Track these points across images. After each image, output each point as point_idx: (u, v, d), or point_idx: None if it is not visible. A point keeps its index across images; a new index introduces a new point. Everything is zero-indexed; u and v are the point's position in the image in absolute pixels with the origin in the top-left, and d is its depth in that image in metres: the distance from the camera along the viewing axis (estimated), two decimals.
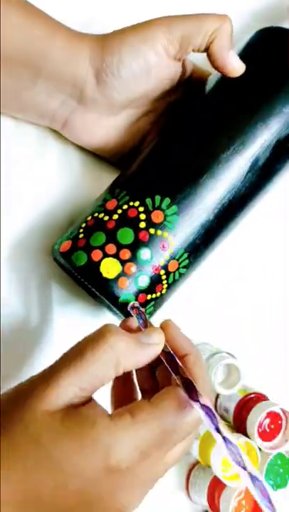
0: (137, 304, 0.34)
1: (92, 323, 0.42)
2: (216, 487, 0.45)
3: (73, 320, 0.42)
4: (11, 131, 0.40)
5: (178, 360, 0.29)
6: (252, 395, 0.47)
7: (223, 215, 0.37)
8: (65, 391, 0.26)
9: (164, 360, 0.29)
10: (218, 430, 0.26)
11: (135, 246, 0.35)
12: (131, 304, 0.35)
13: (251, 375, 0.48)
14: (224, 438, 0.26)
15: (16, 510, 0.25)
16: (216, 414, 0.27)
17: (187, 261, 0.37)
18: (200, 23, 0.35)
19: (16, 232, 0.40)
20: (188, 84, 0.40)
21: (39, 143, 0.40)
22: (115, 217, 0.35)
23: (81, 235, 0.36)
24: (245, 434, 0.45)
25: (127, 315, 0.35)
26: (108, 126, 0.39)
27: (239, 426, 0.46)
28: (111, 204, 0.36)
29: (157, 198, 0.35)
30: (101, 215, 0.36)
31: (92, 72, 0.35)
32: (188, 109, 0.38)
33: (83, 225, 0.36)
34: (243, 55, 0.38)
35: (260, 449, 0.45)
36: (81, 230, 0.36)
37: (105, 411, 0.27)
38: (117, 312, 0.36)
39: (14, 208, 0.40)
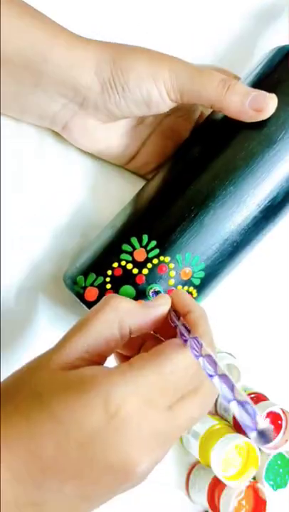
0: (158, 289, 0.35)
1: None
2: (216, 487, 0.45)
3: None
4: (10, 131, 0.39)
5: (180, 318, 0.29)
6: (252, 395, 0.47)
7: (241, 257, 0.38)
8: (71, 351, 0.27)
9: (170, 321, 0.30)
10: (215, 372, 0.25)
11: None
12: (153, 289, 0.35)
13: (251, 375, 0.48)
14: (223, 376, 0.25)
15: (19, 465, 0.24)
16: (214, 357, 0.26)
17: (201, 302, 0.38)
18: (199, 89, 0.35)
19: (15, 231, 0.40)
20: None
21: (39, 143, 0.40)
22: (145, 271, 0.35)
23: (108, 285, 0.35)
24: (245, 434, 0.45)
25: None
26: (109, 130, 0.39)
27: (239, 426, 0.46)
28: (140, 255, 0.35)
29: (188, 254, 0.35)
30: (129, 266, 0.35)
31: (97, 81, 0.35)
32: (209, 148, 0.37)
33: (109, 272, 0.35)
34: (262, 79, 0.36)
35: (260, 449, 0.45)
36: (108, 279, 0.35)
37: (108, 367, 0.27)
38: None
39: (14, 207, 0.40)
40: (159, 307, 0.30)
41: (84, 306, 0.36)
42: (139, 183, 0.42)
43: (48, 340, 0.41)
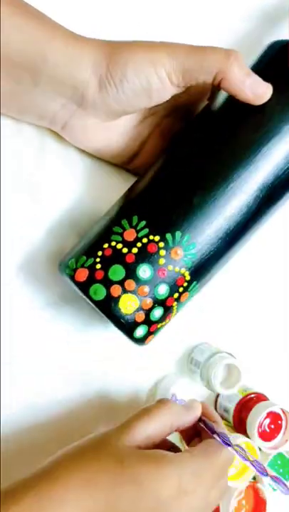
0: (176, 395, 0.43)
1: (98, 333, 0.43)
2: None
3: (78, 326, 0.43)
4: (10, 131, 0.39)
5: (212, 423, 0.38)
6: (252, 395, 0.47)
7: (235, 245, 0.38)
8: (136, 435, 0.34)
9: (203, 425, 0.38)
10: (251, 463, 0.36)
11: (154, 282, 0.35)
12: (173, 395, 0.43)
13: (251, 375, 0.48)
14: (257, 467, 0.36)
15: (96, 509, 0.30)
16: (246, 451, 0.36)
17: (198, 289, 0.38)
18: (202, 61, 0.34)
19: (15, 231, 0.40)
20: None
21: (39, 143, 0.40)
22: (134, 250, 0.35)
23: (98, 265, 0.35)
24: (245, 434, 0.45)
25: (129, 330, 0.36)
26: (108, 130, 0.39)
27: (239, 426, 0.46)
28: (129, 234, 0.35)
29: (178, 233, 0.35)
30: (119, 246, 0.35)
31: (94, 78, 0.35)
32: (203, 133, 0.37)
33: (99, 253, 0.35)
34: (259, 70, 0.36)
35: (260, 449, 0.45)
36: (98, 260, 0.35)
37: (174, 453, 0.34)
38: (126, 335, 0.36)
39: (14, 207, 0.40)
40: (196, 411, 0.38)
41: (76, 288, 0.36)
42: None
43: (48, 340, 0.42)
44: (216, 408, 0.49)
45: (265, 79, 0.35)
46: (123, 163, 0.42)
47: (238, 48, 0.44)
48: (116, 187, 0.42)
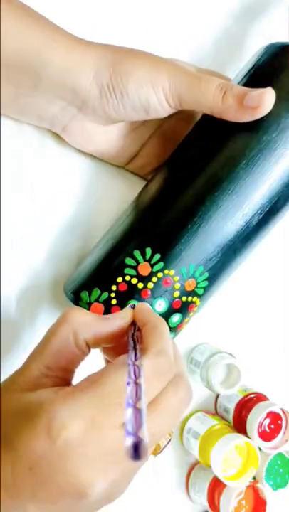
0: (134, 303, 0.35)
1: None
2: (216, 487, 0.45)
3: None
4: (10, 131, 0.39)
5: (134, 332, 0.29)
6: (252, 395, 0.47)
7: (242, 260, 0.38)
8: (31, 370, 0.28)
9: (130, 336, 0.29)
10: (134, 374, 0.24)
11: (168, 313, 0.35)
12: (130, 304, 0.35)
13: (251, 375, 0.48)
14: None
15: None
16: (140, 370, 0.24)
17: (202, 307, 0.38)
18: (198, 96, 0.34)
19: (15, 231, 0.40)
20: None
21: (39, 143, 0.40)
22: (150, 286, 0.35)
23: (114, 301, 0.35)
24: (245, 434, 0.45)
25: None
26: (109, 132, 0.39)
27: (239, 426, 0.46)
28: (144, 269, 0.35)
29: (192, 266, 0.35)
30: (134, 281, 0.35)
31: (96, 87, 0.35)
32: (204, 155, 0.36)
33: (114, 287, 0.35)
34: (253, 78, 0.36)
35: (260, 449, 0.45)
36: (113, 295, 0.35)
37: (60, 388, 0.27)
38: None
39: (14, 207, 0.40)
40: (115, 320, 0.30)
41: None
42: (139, 184, 0.42)
43: None
44: (215, 408, 0.49)
45: (266, 82, 0.35)
46: (123, 163, 0.42)
47: (238, 46, 0.45)
48: (116, 187, 0.42)
